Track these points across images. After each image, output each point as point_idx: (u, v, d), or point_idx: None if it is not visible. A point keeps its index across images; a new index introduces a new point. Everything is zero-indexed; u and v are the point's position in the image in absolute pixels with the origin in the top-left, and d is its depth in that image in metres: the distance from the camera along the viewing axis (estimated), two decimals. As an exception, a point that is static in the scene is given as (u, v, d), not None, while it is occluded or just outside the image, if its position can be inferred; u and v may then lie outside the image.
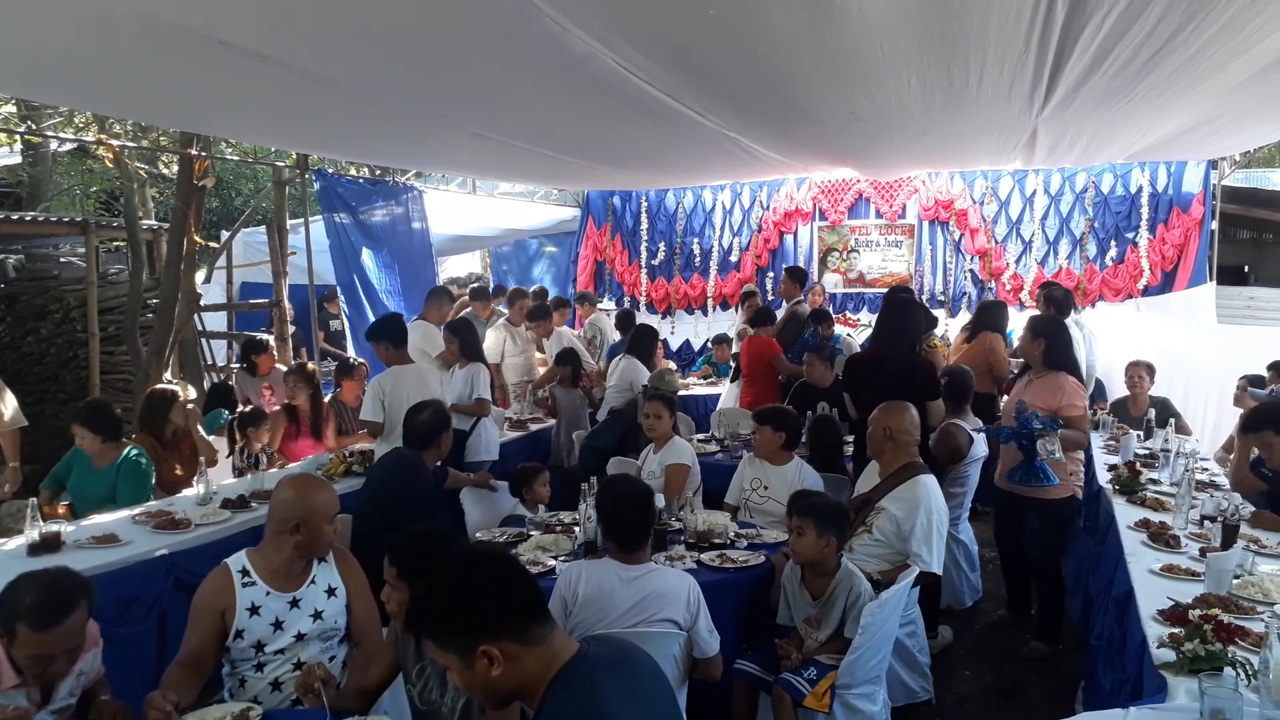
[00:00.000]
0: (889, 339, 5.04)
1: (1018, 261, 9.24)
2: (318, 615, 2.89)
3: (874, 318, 9.32)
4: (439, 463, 4.68)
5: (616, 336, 8.78)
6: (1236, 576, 3.25)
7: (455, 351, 6.14)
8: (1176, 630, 2.78)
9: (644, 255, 10.67)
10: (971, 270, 9.43)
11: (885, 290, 8.89)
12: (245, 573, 2.87)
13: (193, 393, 5.78)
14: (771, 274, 10.03)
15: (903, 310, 5.23)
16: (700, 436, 6.60)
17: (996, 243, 9.30)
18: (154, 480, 4.91)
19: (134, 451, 4.81)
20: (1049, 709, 3.96)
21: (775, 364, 7.35)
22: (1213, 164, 8.53)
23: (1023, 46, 3.92)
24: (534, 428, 7.08)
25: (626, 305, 10.53)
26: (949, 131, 6.19)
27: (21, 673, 2.45)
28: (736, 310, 9.82)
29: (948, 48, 4.00)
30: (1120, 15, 3.48)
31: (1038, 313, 6.44)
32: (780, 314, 8.31)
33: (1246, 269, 13.53)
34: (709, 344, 9.98)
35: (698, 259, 10.46)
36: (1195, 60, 4.12)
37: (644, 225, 10.65)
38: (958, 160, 8.56)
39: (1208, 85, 4.66)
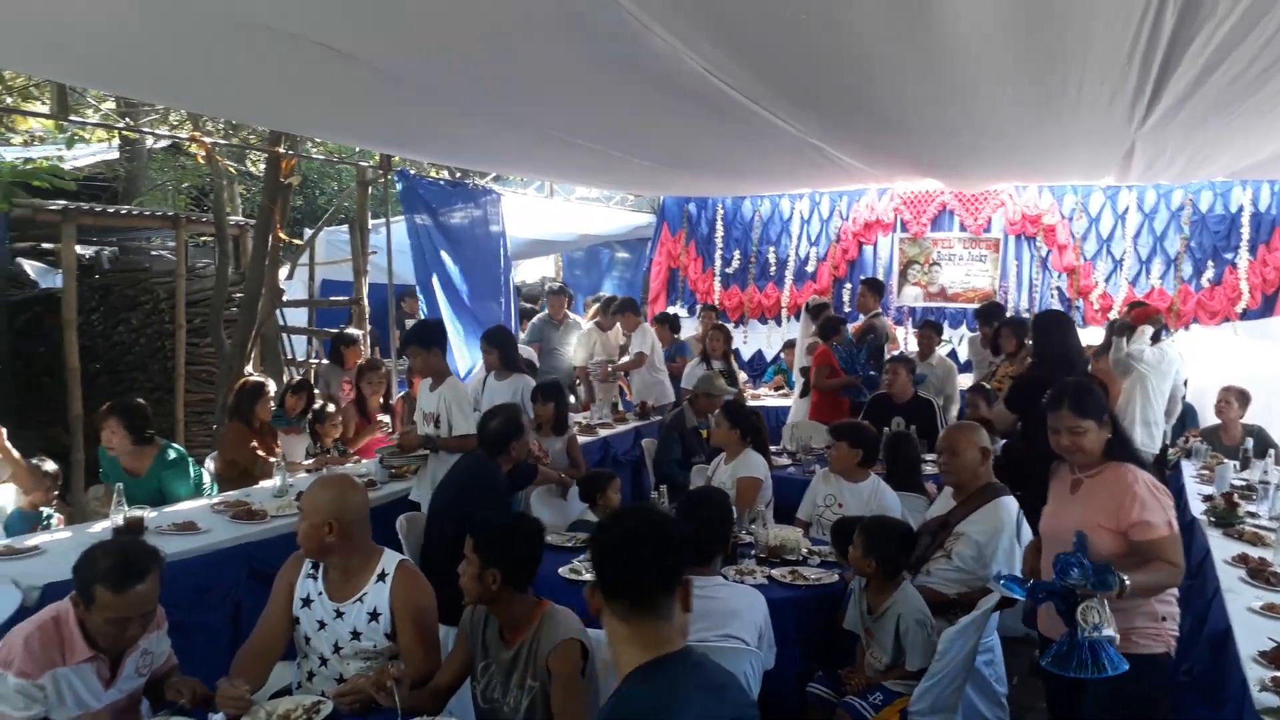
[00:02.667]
0: (1061, 360, 4.74)
1: (1107, 280, 8.92)
2: (356, 634, 2.84)
3: (955, 333, 9.21)
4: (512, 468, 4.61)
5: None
6: (1345, 620, 3.06)
7: (495, 361, 5.90)
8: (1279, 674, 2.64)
9: (718, 263, 10.57)
10: (1059, 288, 9.11)
11: (976, 306, 8.64)
12: (315, 566, 2.90)
13: (272, 385, 5.90)
14: (849, 285, 9.82)
15: (1065, 328, 4.97)
16: (773, 449, 6.49)
17: (1085, 260, 8.98)
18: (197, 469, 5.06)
19: (170, 453, 4.87)
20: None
21: (816, 374, 7.18)
22: (1321, 183, 8.13)
23: (1126, 57, 3.75)
24: (603, 433, 7.06)
25: (700, 312, 10.49)
26: (1042, 144, 5.99)
27: (93, 645, 2.52)
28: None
29: (1047, 58, 3.84)
30: (1235, 25, 3.29)
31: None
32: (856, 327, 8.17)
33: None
34: (780, 354, 9.86)
35: (773, 268, 10.32)
36: (1314, 73, 3.90)
37: (719, 233, 10.56)
38: (1048, 174, 8.29)
39: (1325, 100, 4.42)
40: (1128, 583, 2.65)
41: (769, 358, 10.28)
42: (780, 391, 9.24)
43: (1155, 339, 6.26)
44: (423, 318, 8.05)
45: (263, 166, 8.77)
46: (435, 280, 8.06)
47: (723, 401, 5.94)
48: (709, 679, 1.83)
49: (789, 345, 9.46)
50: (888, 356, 7.56)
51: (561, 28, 3.55)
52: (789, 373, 9.36)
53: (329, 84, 4.46)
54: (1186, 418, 7.21)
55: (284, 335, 8.91)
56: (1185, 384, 7.04)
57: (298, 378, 7.42)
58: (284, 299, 8.60)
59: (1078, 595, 2.64)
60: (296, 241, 9.46)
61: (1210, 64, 3.79)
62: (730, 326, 10.32)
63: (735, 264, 10.50)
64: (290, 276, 9.63)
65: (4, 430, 4.37)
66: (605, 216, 12.04)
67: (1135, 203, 8.75)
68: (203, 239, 11.49)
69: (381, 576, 2.87)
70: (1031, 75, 4.13)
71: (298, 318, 9.68)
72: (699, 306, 10.25)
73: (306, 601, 2.87)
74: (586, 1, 3.17)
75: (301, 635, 2.87)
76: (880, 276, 9.41)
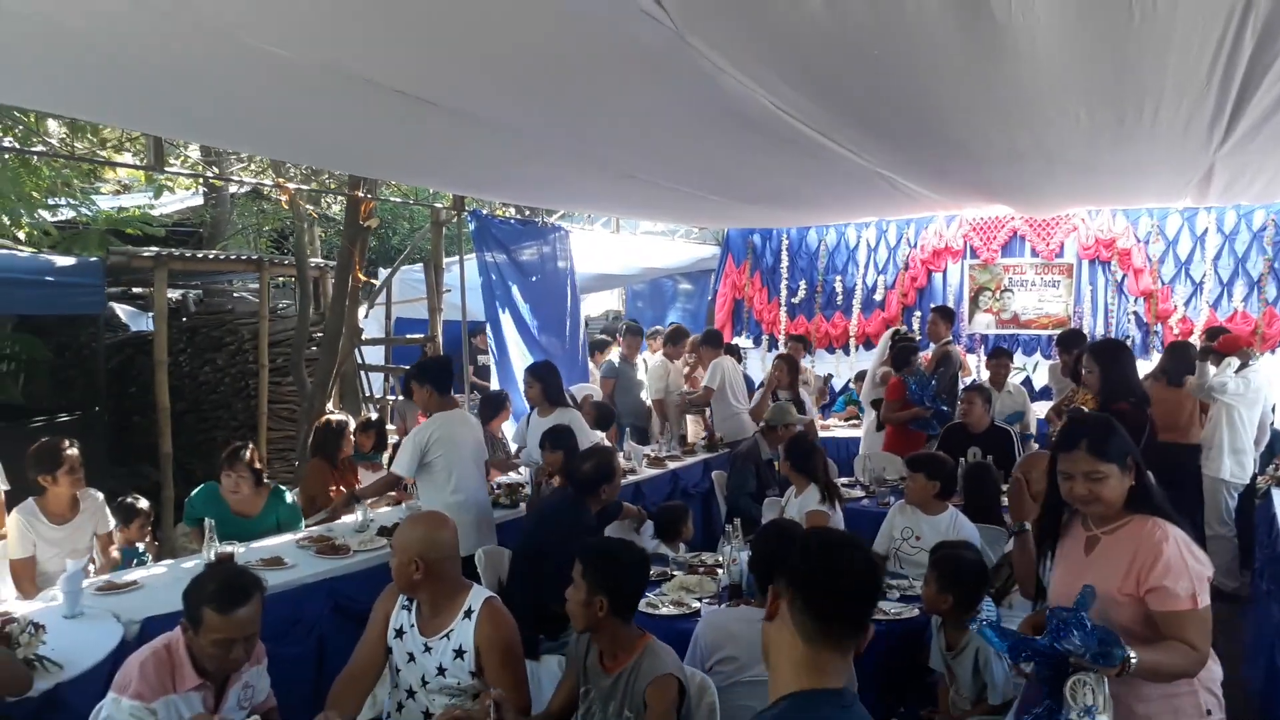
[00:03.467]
0: (1129, 388, 4.63)
1: (1187, 304, 8.69)
2: (442, 670, 2.87)
3: (1030, 360, 9.07)
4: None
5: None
6: None
7: (537, 395, 5.86)
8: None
9: (784, 293, 10.57)
10: (1135, 312, 8.91)
11: (1051, 333, 8.61)
12: (410, 598, 2.96)
13: (352, 423, 6.06)
14: (919, 313, 9.74)
15: (1128, 356, 4.88)
16: (844, 481, 6.44)
17: (1163, 284, 8.77)
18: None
19: (281, 491, 5.03)
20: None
21: (887, 406, 7.13)
22: None
23: (1204, 81, 3.70)
24: (671, 465, 7.07)
25: (765, 343, 10.51)
26: (1116, 167, 5.90)
27: (201, 673, 2.63)
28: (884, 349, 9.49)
29: (1122, 81, 3.81)
30: (1317, 45, 3.25)
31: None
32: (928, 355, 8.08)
33: None
34: (850, 383, 9.77)
35: (839, 297, 10.28)
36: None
37: (784, 263, 10.58)
38: (1122, 197, 8.14)
39: None
40: (1133, 660, 2.17)
41: (837, 388, 10.21)
42: (851, 422, 9.15)
43: (1241, 367, 6.09)
44: (525, 353, 8.20)
45: (338, 209, 9.06)
46: (507, 315, 8.22)
47: (795, 431, 5.93)
48: None
49: (861, 377, 9.38)
50: (962, 385, 7.46)
51: (634, 69, 3.64)
52: (859, 402, 9.27)
53: (407, 129, 4.62)
54: (1275, 444, 6.96)
55: (361, 373, 9.14)
56: (1274, 409, 6.82)
57: (373, 414, 7.60)
58: (361, 337, 8.83)
59: (1070, 664, 2.19)
60: (373, 282, 9.72)
61: (1291, 86, 3.72)
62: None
63: (801, 294, 10.49)
64: (366, 315, 9.90)
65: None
66: (669, 250, 12.14)
67: (1214, 224, 8.54)
68: (282, 280, 11.86)
69: (468, 614, 2.89)
70: (1106, 98, 4.10)
71: (374, 355, 9.92)
72: (780, 337, 10.28)
73: (399, 633, 2.94)
74: (658, 42, 3.23)
75: (393, 666, 2.94)
76: (950, 304, 9.29)
